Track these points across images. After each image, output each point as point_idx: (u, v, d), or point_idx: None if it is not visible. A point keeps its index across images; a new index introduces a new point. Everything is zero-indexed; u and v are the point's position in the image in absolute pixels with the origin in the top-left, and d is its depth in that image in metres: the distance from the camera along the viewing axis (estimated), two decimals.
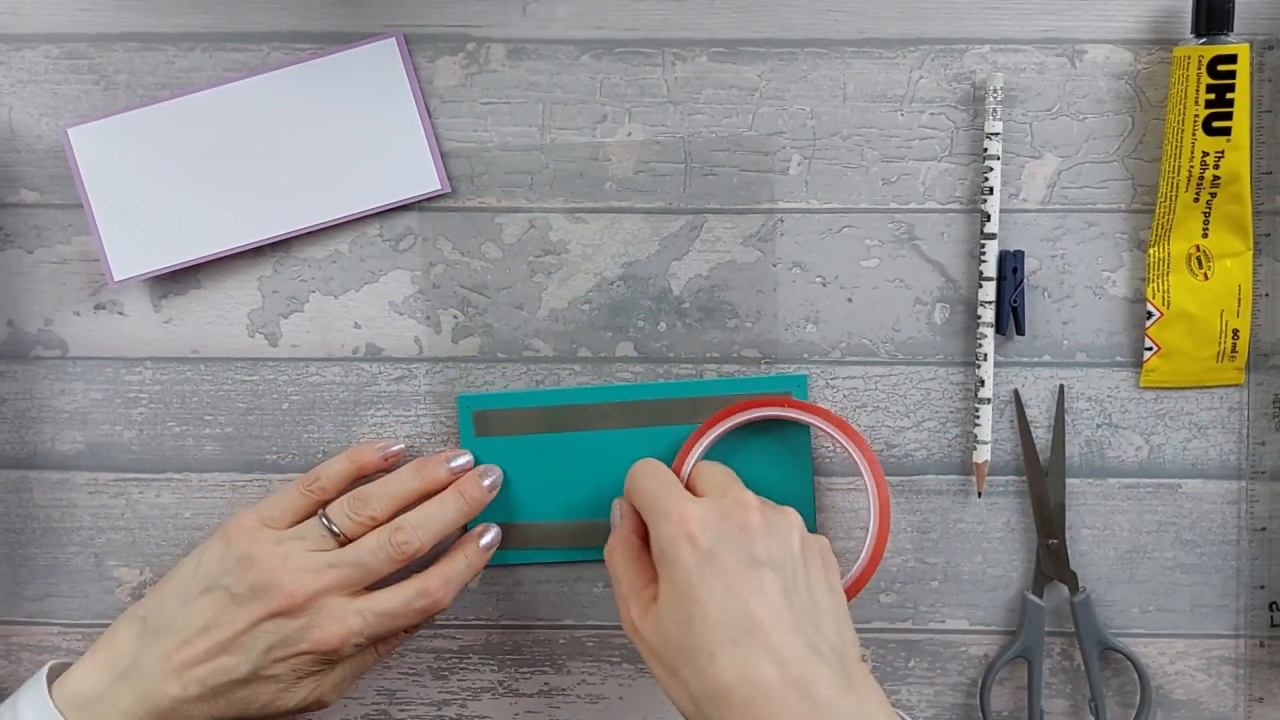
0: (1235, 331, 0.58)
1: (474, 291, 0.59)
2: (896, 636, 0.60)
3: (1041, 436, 0.59)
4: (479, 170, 0.58)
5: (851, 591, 0.55)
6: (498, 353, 0.59)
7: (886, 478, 0.58)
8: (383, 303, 0.59)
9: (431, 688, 0.61)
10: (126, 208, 0.57)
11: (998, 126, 0.56)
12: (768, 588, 0.47)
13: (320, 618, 0.52)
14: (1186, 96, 0.55)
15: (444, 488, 0.57)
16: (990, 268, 0.57)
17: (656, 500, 0.50)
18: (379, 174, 0.58)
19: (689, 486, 0.54)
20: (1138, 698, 0.59)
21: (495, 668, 0.61)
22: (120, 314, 0.59)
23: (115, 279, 0.58)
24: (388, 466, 0.58)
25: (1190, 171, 0.55)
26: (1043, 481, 0.59)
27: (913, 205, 0.58)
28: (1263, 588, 0.59)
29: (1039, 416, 0.59)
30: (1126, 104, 0.57)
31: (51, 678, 0.53)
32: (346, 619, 0.53)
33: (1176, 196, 0.56)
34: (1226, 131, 0.55)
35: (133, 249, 0.57)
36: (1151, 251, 0.57)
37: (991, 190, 0.57)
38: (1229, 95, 0.54)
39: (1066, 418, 0.59)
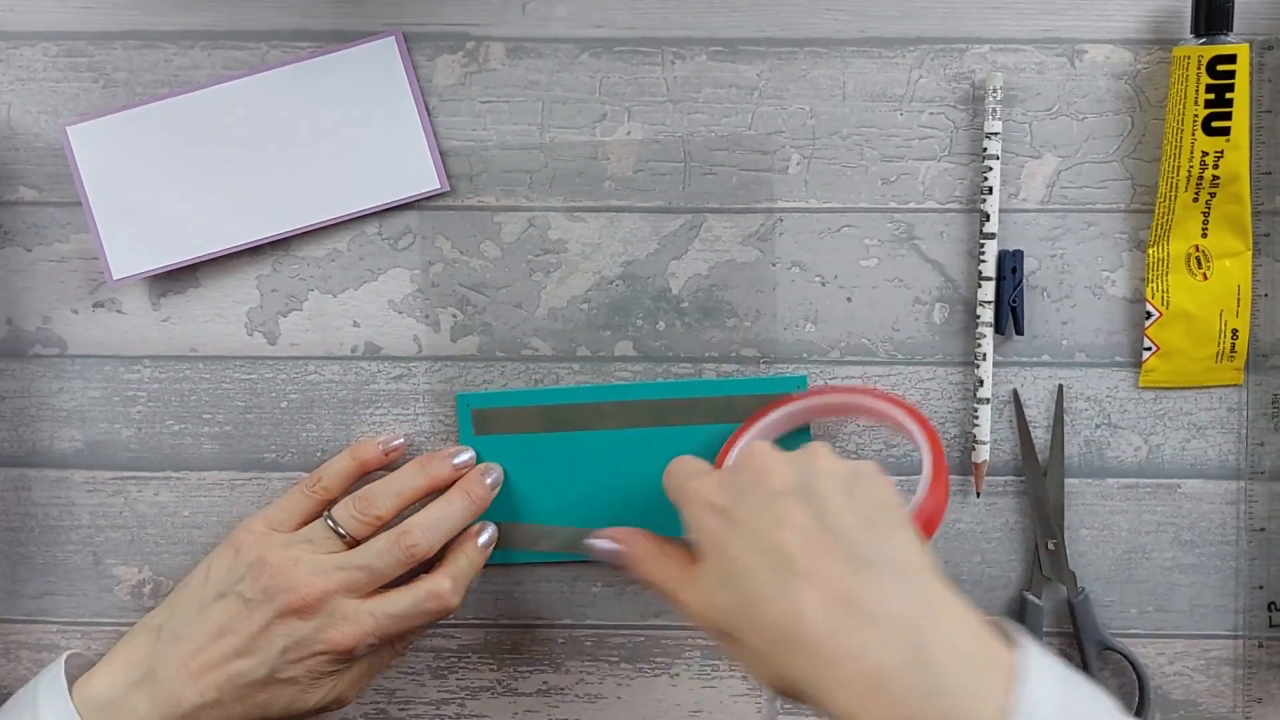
0: (1234, 331, 0.58)
1: (473, 290, 0.59)
2: None
3: (1040, 436, 0.59)
4: (478, 169, 0.58)
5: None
6: (497, 351, 0.59)
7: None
8: (382, 301, 0.59)
9: (430, 687, 0.61)
10: (125, 206, 0.57)
11: (997, 126, 0.56)
12: (792, 517, 0.45)
13: (334, 619, 0.52)
14: (1186, 96, 0.55)
15: (448, 484, 0.57)
16: (989, 267, 0.57)
17: (680, 488, 0.50)
18: (378, 173, 0.58)
19: None
20: (1136, 698, 0.59)
21: (494, 667, 0.61)
22: (119, 312, 0.59)
23: (114, 277, 0.58)
24: (389, 462, 0.58)
25: (1190, 171, 0.55)
26: (1041, 482, 0.59)
27: (912, 205, 0.58)
28: (1261, 588, 0.59)
29: (1038, 416, 0.59)
30: (1126, 104, 0.57)
31: (69, 670, 0.53)
32: (359, 620, 0.53)
33: (1176, 196, 0.56)
34: (1226, 131, 0.55)
35: (131, 247, 0.57)
36: (1151, 251, 0.57)
37: (991, 190, 0.57)
38: (1228, 95, 0.54)
39: (1065, 418, 0.59)
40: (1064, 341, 0.58)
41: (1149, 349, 0.58)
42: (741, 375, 0.59)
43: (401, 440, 0.59)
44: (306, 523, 0.56)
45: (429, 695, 0.61)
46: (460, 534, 0.57)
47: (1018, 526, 0.59)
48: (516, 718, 0.61)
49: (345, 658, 0.53)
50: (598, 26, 0.57)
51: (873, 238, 0.58)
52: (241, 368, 0.60)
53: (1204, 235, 0.57)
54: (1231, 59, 0.54)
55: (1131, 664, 0.59)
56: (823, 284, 0.58)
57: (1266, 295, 0.58)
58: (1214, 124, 0.55)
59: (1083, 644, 0.58)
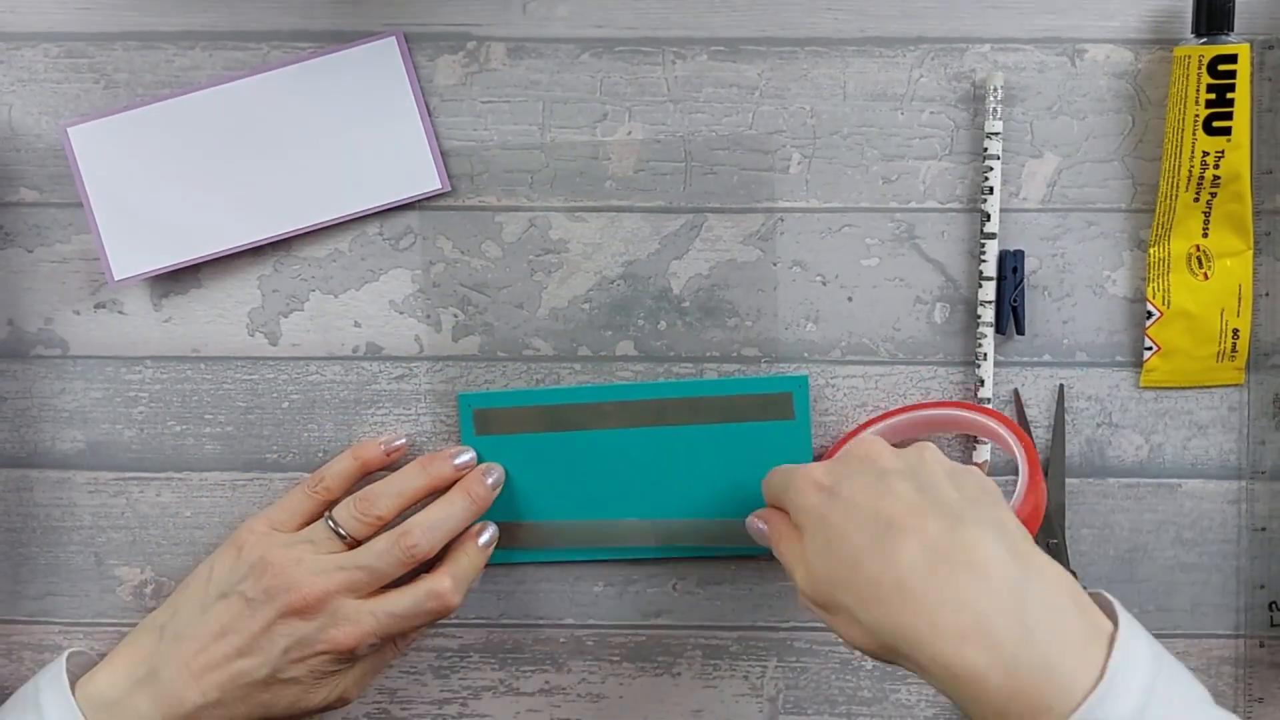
0: (1235, 331, 0.58)
1: (474, 290, 0.59)
2: None
3: (1041, 436, 0.59)
4: (479, 169, 0.58)
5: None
6: (498, 351, 0.59)
7: None
8: (383, 301, 0.59)
9: (432, 686, 0.61)
10: (126, 207, 0.57)
11: (998, 126, 0.56)
12: (897, 489, 0.46)
13: (335, 619, 0.52)
14: (1187, 96, 0.55)
15: (449, 484, 0.57)
16: (990, 267, 0.57)
17: (785, 482, 0.50)
18: (379, 173, 0.58)
19: None
20: None
21: (496, 666, 0.61)
22: (120, 313, 0.59)
23: (115, 278, 0.58)
24: (391, 463, 0.58)
25: (1190, 171, 0.55)
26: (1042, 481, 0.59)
27: (913, 204, 0.58)
28: (1263, 587, 0.59)
29: (1039, 416, 0.59)
30: (1127, 103, 0.57)
31: (71, 668, 0.53)
32: (360, 620, 0.53)
33: (1177, 196, 0.56)
34: (1227, 131, 0.55)
35: (133, 248, 0.57)
36: (1151, 251, 0.57)
37: (991, 189, 0.57)
38: (1229, 95, 0.54)
39: (1066, 417, 0.59)
40: (1065, 341, 0.58)
41: (1150, 348, 0.58)
42: (743, 375, 0.59)
43: (403, 440, 0.59)
44: (308, 523, 0.56)
45: (431, 694, 0.61)
46: (461, 534, 0.57)
47: None
48: (518, 717, 0.62)
49: (347, 657, 0.53)
50: (598, 26, 0.57)
51: (873, 237, 0.58)
52: (243, 368, 0.60)
53: (1205, 235, 0.57)
54: (1232, 59, 0.54)
55: None
56: (824, 283, 0.58)
57: (1267, 294, 0.58)
58: (1215, 123, 0.55)
59: None
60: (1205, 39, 0.54)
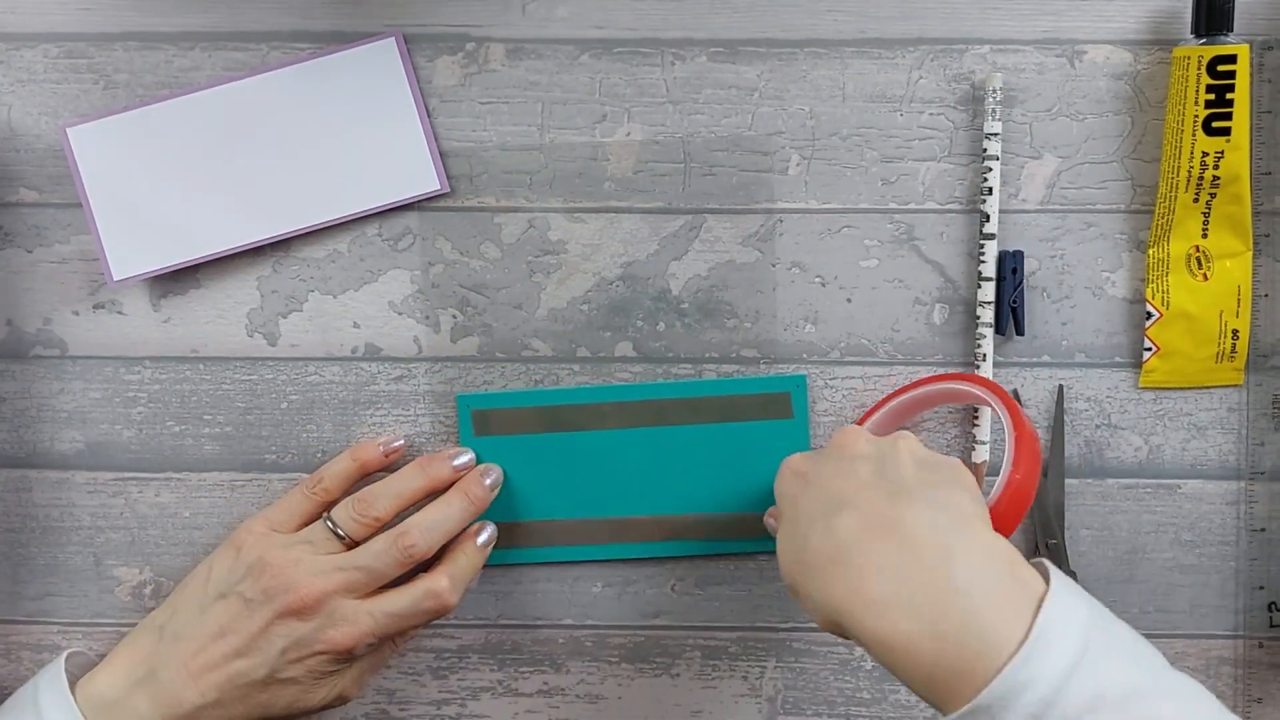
0: (1235, 332, 0.58)
1: (473, 291, 0.59)
2: None
3: (1041, 437, 0.59)
4: (478, 170, 0.58)
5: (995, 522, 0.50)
6: (497, 352, 0.59)
7: None
8: (382, 302, 0.59)
9: (431, 687, 0.61)
10: (126, 207, 0.57)
11: (997, 127, 0.56)
12: (858, 471, 0.47)
13: (333, 619, 0.52)
14: (1186, 97, 0.55)
15: (448, 486, 0.57)
16: (989, 268, 0.57)
17: (779, 468, 0.52)
18: (378, 174, 0.58)
19: None
20: None
21: (494, 667, 0.61)
22: (119, 313, 0.59)
23: (114, 278, 0.58)
24: (389, 463, 0.58)
25: (1190, 172, 0.55)
26: (1042, 481, 0.59)
27: (912, 205, 0.58)
28: (1262, 588, 0.59)
29: (1038, 417, 0.59)
30: (1126, 104, 0.57)
31: (70, 668, 0.54)
32: (358, 620, 0.53)
33: (1176, 197, 0.56)
34: (1226, 132, 0.55)
35: (132, 248, 0.57)
36: (1151, 252, 0.57)
37: (991, 190, 0.57)
38: (1229, 95, 0.54)
39: (1066, 418, 0.59)
40: (1064, 342, 0.58)
41: (1149, 349, 0.58)
42: (741, 376, 0.59)
43: (402, 441, 0.59)
44: (307, 524, 0.56)
45: (429, 695, 0.61)
46: (460, 534, 0.57)
47: (1019, 526, 0.59)
48: (517, 718, 0.62)
49: (345, 657, 0.53)
50: (598, 27, 0.57)
51: (873, 238, 0.58)
52: (242, 369, 0.60)
53: (1204, 236, 0.57)
54: (1232, 59, 0.54)
55: None
56: (823, 285, 0.58)
57: (1267, 295, 0.58)
58: (1214, 124, 0.55)
59: None
60: (1205, 40, 0.54)
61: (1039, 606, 0.40)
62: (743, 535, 0.59)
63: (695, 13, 0.57)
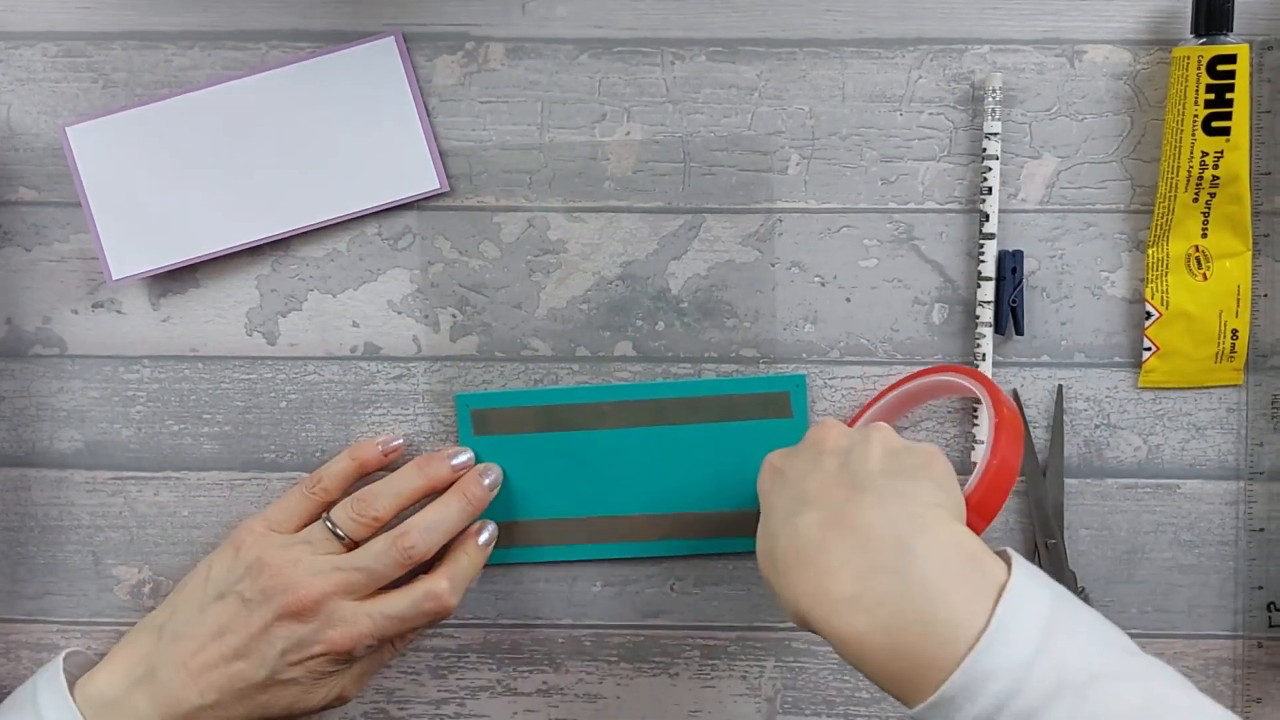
0: (1234, 332, 0.58)
1: (472, 290, 0.59)
2: None
3: (1040, 437, 0.59)
4: (477, 169, 0.58)
5: (977, 504, 0.50)
6: (496, 352, 0.59)
7: None
8: (381, 301, 0.59)
9: (430, 686, 0.61)
10: (125, 206, 0.57)
11: (997, 127, 0.56)
12: (826, 466, 0.47)
13: (332, 620, 0.52)
14: (1186, 97, 0.55)
15: (447, 485, 0.57)
16: (989, 268, 0.57)
17: (760, 470, 0.52)
18: (377, 173, 0.58)
19: None
20: None
21: (494, 666, 0.61)
22: (118, 312, 0.59)
23: (113, 277, 0.58)
24: (389, 463, 0.58)
25: (1189, 172, 0.55)
26: (1041, 481, 0.59)
27: (911, 205, 0.58)
28: (1261, 588, 0.59)
29: (1037, 417, 0.59)
30: (1125, 104, 0.57)
31: (68, 667, 0.54)
32: (357, 621, 0.53)
33: (1175, 197, 0.56)
34: (1226, 132, 0.55)
35: (131, 247, 0.57)
36: (1150, 252, 0.57)
37: (990, 190, 0.57)
38: (1228, 95, 0.54)
39: (1065, 418, 0.59)
40: (1063, 342, 0.58)
41: (1148, 349, 0.58)
42: (741, 375, 0.59)
43: (401, 441, 0.59)
44: (306, 524, 0.56)
45: (429, 695, 0.61)
46: (461, 533, 0.57)
47: (1017, 526, 0.59)
48: (516, 717, 0.62)
49: (344, 658, 0.53)
50: (597, 27, 0.57)
51: (872, 238, 0.58)
52: (241, 368, 0.60)
53: (1204, 235, 0.57)
54: (1231, 59, 0.54)
55: None
56: (822, 284, 0.58)
57: (1266, 295, 0.58)
58: (1214, 124, 0.55)
59: None
60: (1204, 39, 0.54)
61: (999, 596, 0.40)
62: (742, 535, 0.59)
63: (695, 12, 0.57)
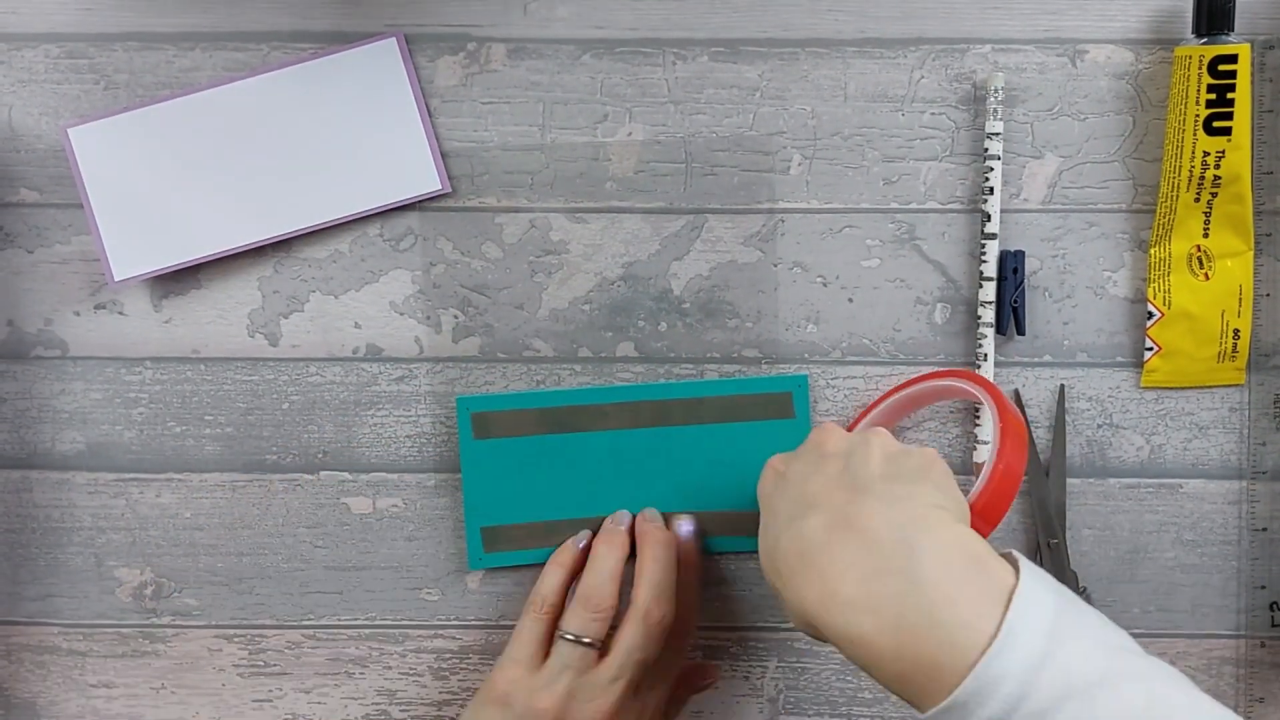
0: (1236, 331, 0.58)
1: (474, 291, 0.59)
2: None
3: (1042, 436, 0.59)
4: (479, 170, 0.58)
5: (982, 510, 0.50)
6: (498, 353, 0.59)
7: None
8: (383, 302, 0.59)
9: (432, 688, 0.61)
10: (126, 208, 0.57)
11: (998, 126, 0.56)
12: (827, 470, 0.47)
13: (621, 716, 0.53)
14: (1187, 96, 0.55)
15: (632, 545, 0.57)
16: (991, 268, 0.57)
17: (761, 473, 0.52)
18: (379, 174, 0.58)
19: None
20: None
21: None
22: (120, 314, 0.59)
23: (115, 279, 0.58)
24: (585, 554, 0.58)
25: (1191, 171, 0.55)
26: (1043, 481, 0.59)
27: (913, 205, 0.58)
28: (1263, 588, 0.59)
29: (1040, 416, 0.59)
30: (1127, 104, 0.57)
31: None
32: (611, 691, 0.53)
33: (1177, 196, 0.56)
34: (1227, 131, 0.55)
35: (133, 249, 0.57)
36: (1152, 251, 0.57)
37: (992, 190, 0.57)
38: (1230, 95, 0.54)
39: (1067, 418, 0.59)
40: (1065, 342, 0.58)
41: (1151, 349, 0.58)
42: (743, 376, 0.59)
43: (588, 532, 0.59)
44: (547, 646, 0.55)
45: (431, 696, 0.61)
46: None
47: (1020, 526, 0.59)
48: None
49: None
50: (599, 27, 0.57)
51: (874, 238, 0.58)
52: (243, 369, 0.60)
53: (1205, 235, 0.57)
54: (1233, 59, 0.54)
55: None
56: (824, 284, 0.58)
57: (1268, 295, 0.58)
58: (1215, 124, 0.55)
59: None
60: (1206, 39, 0.54)
61: (1009, 600, 0.40)
62: (744, 535, 0.59)
63: (696, 12, 0.57)
